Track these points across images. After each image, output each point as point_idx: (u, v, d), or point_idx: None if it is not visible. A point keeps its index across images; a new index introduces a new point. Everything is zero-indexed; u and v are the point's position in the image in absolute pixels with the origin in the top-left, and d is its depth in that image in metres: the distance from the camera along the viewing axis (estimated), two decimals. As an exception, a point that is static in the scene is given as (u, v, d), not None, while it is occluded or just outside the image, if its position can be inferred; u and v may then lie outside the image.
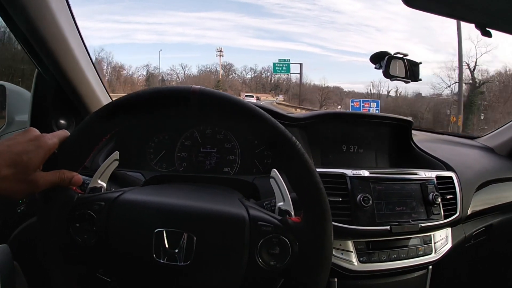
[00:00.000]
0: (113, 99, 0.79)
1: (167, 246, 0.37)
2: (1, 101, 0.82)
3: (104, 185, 0.44)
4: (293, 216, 0.40)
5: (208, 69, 28.74)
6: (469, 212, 0.78)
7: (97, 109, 0.41)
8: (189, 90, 0.39)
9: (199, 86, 0.40)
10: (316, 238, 0.38)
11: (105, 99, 0.76)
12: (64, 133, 0.41)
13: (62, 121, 0.75)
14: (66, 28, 0.63)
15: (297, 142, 0.39)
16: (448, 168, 0.79)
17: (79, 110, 0.73)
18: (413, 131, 0.86)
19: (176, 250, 0.37)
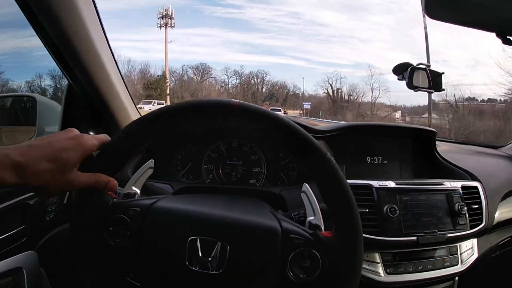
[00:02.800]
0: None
1: (200, 254, 0.38)
2: (32, 112, 0.85)
3: (138, 191, 0.45)
4: (323, 230, 0.41)
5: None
6: (494, 222, 0.77)
7: (136, 118, 0.43)
8: (228, 103, 0.41)
9: (238, 100, 0.42)
10: (347, 253, 0.38)
11: (134, 113, 0.79)
12: (105, 137, 0.42)
13: (91, 133, 0.77)
14: (97, 42, 0.65)
15: (331, 157, 0.40)
16: (473, 178, 0.78)
17: (108, 123, 0.75)
18: (436, 142, 0.86)
19: (209, 259, 0.37)
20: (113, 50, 0.72)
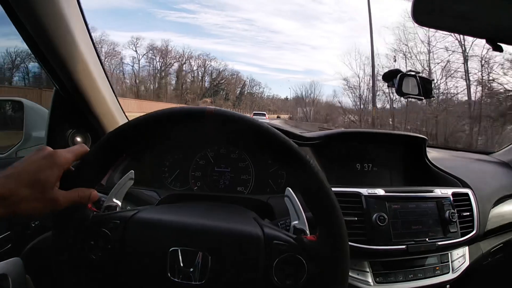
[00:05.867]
0: (129, 118, 0.81)
1: (182, 265, 0.37)
2: (18, 116, 0.84)
3: (119, 203, 0.44)
4: (308, 235, 0.40)
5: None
6: (486, 229, 0.77)
7: (114, 127, 0.42)
8: (203, 111, 0.40)
9: (214, 107, 0.41)
10: (332, 256, 0.38)
11: (121, 118, 0.78)
12: (81, 147, 0.41)
13: (78, 139, 0.76)
14: (84, 46, 0.64)
15: (311, 161, 0.39)
16: (464, 184, 0.78)
17: (96, 128, 0.74)
18: (427, 148, 0.85)
19: (191, 269, 0.37)
20: (99, 53, 0.71)
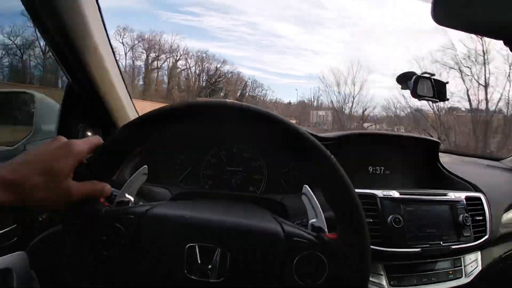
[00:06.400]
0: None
1: (199, 261, 0.36)
2: (29, 109, 0.83)
3: (132, 199, 0.43)
4: (327, 233, 0.39)
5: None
6: (498, 234, 0.76)
7: (129, 120, 0.41)
8: (225, 104, 0.40)
9: (232, 100, 0.40)
10: (354, 255, 0.37)
11: (132, 114, 0.77)
12: (96, 139, 0.41)
13: (89, 133, 0.75)
14: (99, 41, 0.64)
15: (335, 160, 0.39)
16: (476, 189, 0.77)
17: (107, 123, 0.74)
18: (440, 153, 0.85)
19: (209, 266, 0.36)
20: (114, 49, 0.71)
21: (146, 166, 0.45)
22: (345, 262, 0.36)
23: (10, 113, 0.87)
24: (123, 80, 0.75)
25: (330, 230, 0.40)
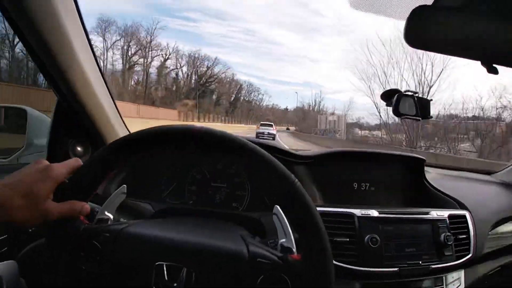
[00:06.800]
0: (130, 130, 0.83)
1: (166, 279, 0.38)
2: (22, 124, 0.86)
3: (111, 216, 0.45)
4: (295, 253, 0.40)
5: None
6: (483, 252, 0.75)
7: (114, 138, 0.44)
8: (191, 129, 0.42)
9: (199, 126, 0.43)
10: (316, 276, 0.38)
11: (121, 129, 0.79)
12: (76, 162, 0.44)
13: (79, 148, 0.78)
14: (83, 57, 0.65)
15: (296, 180, 0.40)
16: (462, 206, 0.77)
17: (96, 138, 0.76)
18: (427, 168, 0.85)
19: (175, 284, 0.37)
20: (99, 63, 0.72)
21: (125, 185, 0.47)
22: (308, 283, 0.37)
23: (3, 127, 0.90)
24: (111, 96, 0.77)
25: (298, 248, 0.41)
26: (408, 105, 0.70)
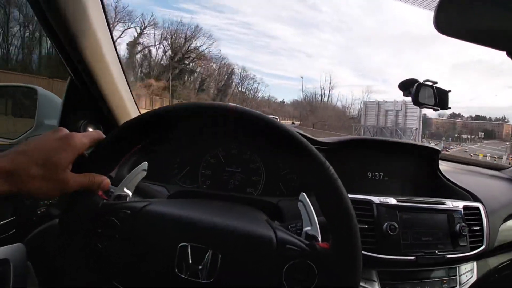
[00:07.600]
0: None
1: (190, 261, 0.36)
2: (32, 104, 0.84)
3: (130, 194, 0.44)
4: (320, 241, 0.39)
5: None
6: (495, 244, 0.76)
7: (126, 120, 0.42)
8: (226, 107, 0.40)
9: (234, 104, 0.40)
10: (344, 265, 0.37)
11: (133, 111, 0.78)
12: (97, 134, 0.41)
13: (90, 129, 0.76)
14: (102, 38, 0.64)
15: (331, 167, 0.39)
16: (475, 198, 0.77)
17: (108, 119, 0.74)
18: (439, 161, 0.85)
19: (200, 267, 0.36)
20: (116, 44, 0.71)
21: (146, 162, 0.45)
22: (335, 272, 0.37)
23: (14, 107, 0.88)
24: (126, 77, 0.76)
25: (323, 236, 0.40)
26: (427, 94, 0.69)
